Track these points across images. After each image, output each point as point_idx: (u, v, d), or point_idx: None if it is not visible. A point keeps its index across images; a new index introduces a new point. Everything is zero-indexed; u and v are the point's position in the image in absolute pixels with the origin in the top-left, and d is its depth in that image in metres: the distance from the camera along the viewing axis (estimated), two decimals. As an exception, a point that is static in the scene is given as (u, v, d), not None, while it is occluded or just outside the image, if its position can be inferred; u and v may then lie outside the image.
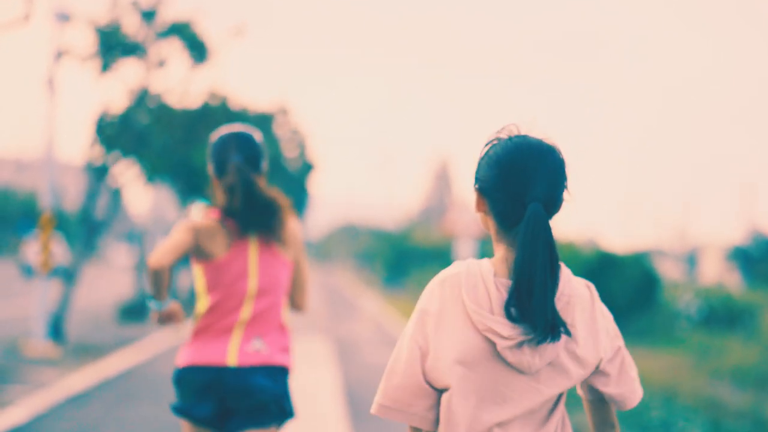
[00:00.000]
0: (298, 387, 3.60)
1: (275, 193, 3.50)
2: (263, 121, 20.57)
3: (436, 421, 1.88)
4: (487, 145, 1.96)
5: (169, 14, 13.75)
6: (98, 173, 13.97)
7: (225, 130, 3.57)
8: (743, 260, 38.54)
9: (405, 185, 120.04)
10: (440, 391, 1.87)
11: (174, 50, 13.97)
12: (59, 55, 12.64)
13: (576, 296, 1.89)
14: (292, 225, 3.56)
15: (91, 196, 14.08)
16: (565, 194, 1.90)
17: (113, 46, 13.26)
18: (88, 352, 11.83)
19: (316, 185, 29.34)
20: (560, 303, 1.85)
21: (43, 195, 12.54)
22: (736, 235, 44.62)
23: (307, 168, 27.31)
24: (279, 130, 23.57)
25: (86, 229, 14.12)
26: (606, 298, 2.28)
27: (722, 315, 17.93)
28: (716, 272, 44.58)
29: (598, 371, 1.93)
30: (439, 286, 1.89)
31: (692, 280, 37.38)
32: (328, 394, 9.05)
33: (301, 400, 7.56)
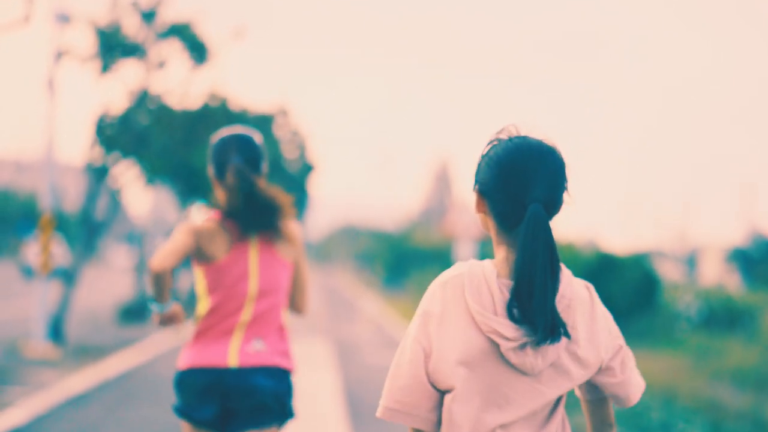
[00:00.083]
0: (298, 388, 3.60)
1: (275, 191, 3.50)
2: (263, 122, 20.57)
3: (438, 422, 1.88)
4: (487, 146, 1.96)
5: (169, 15, 13.76)
6: (98, 174, 13.97)
7: (225, 131, 3.58)
8: (743, 261, 38.52)
9: (405, 186, 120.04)
10: (442, 393, 1.87)
11: (174, 51, 13.98)
12: (59, 55, 12.64)
13: (577, 298, 1.89)
14: (293, 226, 3.56)
15: (91, 197, 14.08)
16: (565, 195, 1.90)
17: (113, 46, 13.27)
18: (88, 353, 11.83)
19: (316, 186, 29.32)
20: (561, 305, 1.85)
21: (43, 196, 12.54)
22: (736, 236, 44.61)
23: (307, 169, 27.31)
24: (279, 131, 23.58)
25: (86, 230, 14.12)
26: (606, 300, 2.28)
27: (722, 316, 17.92)
28: (716, 273, 44.57)
29: (600, 371, 1.93)
30: (441, 287, 1.88)
31: (692, 281, 37.35)
32: (329, 396, 9.04)
33: (302, 401, 7.55)
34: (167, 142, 14.29)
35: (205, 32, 14.10)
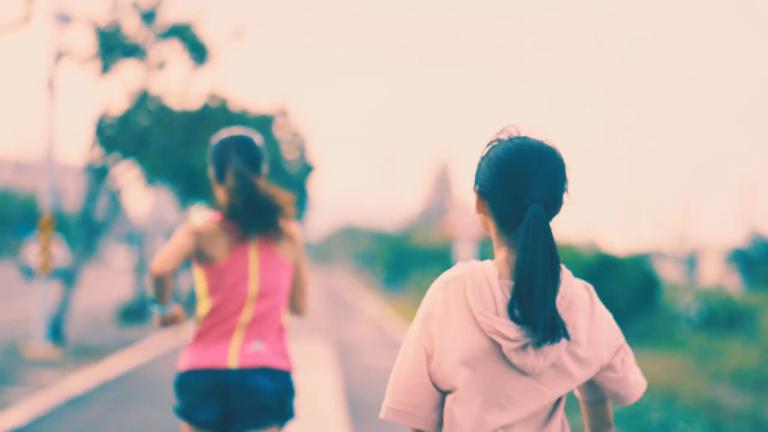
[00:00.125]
0: (298, 389, 3.60)
1: (276, 191, 3.50)
2: (263, 123, 20.58)
3: (440, 423, 1.88)
4: (487, 146, 1.96)
5: (169, 16, 13.76)
6: (98, 175, 13.97)
7: (225, 133, 3.59)
8: (743, 262, 38.54)
9: (405, 186, 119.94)
10: (444, 393, 1.87)
11: (174, 52, 13.98)
12: (59, 56, 12.64)
13: (577, 298, 1.89)
14: (293, 227, 3.56)
15: (91, 197, 14.08)
16: (565, 196, 1.90)
17: (113, 47, 13.27)
18: (88, 353, 11.83)
19: (316, 187, 29.32)
20: (562, 306, 1.85)
21: (43, 196, 12.53)
22: (736, 236, 44.60)
23: (307, 170, 27.32)
24: (279, 131, 23.59)
25: (86, 231, 14.12)
26: (606, 300, 2.28)
27: (722, 317, 17.91)
28: (716, 274, 44.58)
29: (601, 370, 1.93)
30: (443, 287, 1.88)
31: (692, 282, 37.36)
32: (329, 396, 9.04)
33: (302, 401, 7.55)
34: (167, 142, 14.29)
35: (205, 33, 14.10)
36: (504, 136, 1.94)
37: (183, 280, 22.96)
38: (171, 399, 3.61)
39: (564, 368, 1.86)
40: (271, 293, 3.46)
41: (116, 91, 13.86)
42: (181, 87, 14.54)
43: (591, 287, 1.95)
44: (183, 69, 14.30)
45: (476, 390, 1.84)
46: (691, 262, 48.30)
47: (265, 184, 3.52)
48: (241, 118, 17.24)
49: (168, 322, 3.42)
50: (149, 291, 3.28)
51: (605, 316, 1.94)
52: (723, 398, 9.48)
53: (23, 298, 20.66)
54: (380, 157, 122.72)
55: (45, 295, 12.17)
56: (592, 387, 1.99)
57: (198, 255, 3.41)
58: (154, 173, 14.83)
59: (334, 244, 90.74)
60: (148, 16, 13.56)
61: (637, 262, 17.33)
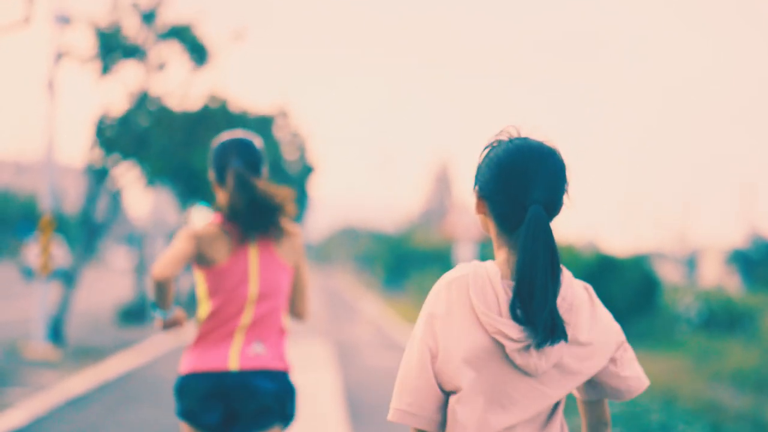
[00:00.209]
0: (298, 389, 3.60)
1: (275, 189, 3.50)
2: (263, 124, 20.58)
3: (443, 423, 1.88)
4: (487, 147, 1.96)
5: (169, 16, 13.77)
6: (98, 176, 13.98)
7: (226, 136, 3.60)
8: (743, 263, 38.55)
9: (405, 187, 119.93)
10: (447, 394, 1.87)
11: (174, 53, 13.99)
12: (59, 56, 12.65)
13: (577, 299, 1.89)
14: (294, 229, 3.56)
15: (91, 198, 14.08)
16: (565, 198, 1.90)
17: (113, 48, 13.27)
18: (88, 354, 11.83)
19: (316, 187, 29.31)
20: (562, 307, 1.85)
21: (43, 197, 12.54)
22: (736, 237, 44.62)
23: (307, 170, 27.30)
24: (279, 132, 23.58)
25: (86, 232, 14.12)
26: (606, 301, 2.28)
27: (722, 318, 17.91)
28: (716, 275, 44.58)
29: (604, 368, 1.93)
30: (445, 288, 1.88)
31: (692, 283, 37.36)
32: (329, 397, 9.04)
33: (302, 402, 7.55)
34: (167, 143, 14.30)
35: (205, 34, 14.11)
36: (504, 137, 1.94)
37: (183, 280, 22.95)
38: (171, 400, 3.61)
39: (566, 369, 1.87)
40: (271, 295, 3.46)
41: (116, 91, 13.88)
42: (181, 88, 14.54)
43: (590, 287, 1.95)
44: (183, 70, 14.31)
45: (480, 390, 1.84)
46: (691, 263, 48.31)
47: (264, 184, 3.52)
48: (241, 119, 17.25)
49: (170, 326, 3.43)
50: (151, 295, 3.28)
51: (605, 316, 1.94)
52: (723, 399, 9.48)
53: (23, 298, 20.66)
54: (380, 157, 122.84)
55: (45, 296, 12.17)
56: (592, 386, 2.00)
57: (198, 258, 3.41)
58: (154, 174, 14.83)
59: (334, 245, 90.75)
60: (148, 17, 13.56)
61: (636, 263, 17.33)
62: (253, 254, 3.46)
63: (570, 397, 2.10)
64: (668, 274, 39.68)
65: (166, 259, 3.30)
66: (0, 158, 64.98)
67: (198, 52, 14.07)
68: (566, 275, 1.88)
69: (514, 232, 1.88)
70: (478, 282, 1.85)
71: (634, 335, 14.62)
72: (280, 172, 22.17)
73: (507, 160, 1.88)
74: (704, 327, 17.56)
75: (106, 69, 13.34)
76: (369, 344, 14.99)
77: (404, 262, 37.23)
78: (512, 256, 1.88)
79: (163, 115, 14.34)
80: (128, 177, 14.77)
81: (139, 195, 20.40)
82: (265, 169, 3.57)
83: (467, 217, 20.02)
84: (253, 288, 3.43)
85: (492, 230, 1.94)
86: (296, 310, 3.64)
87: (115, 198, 15.90)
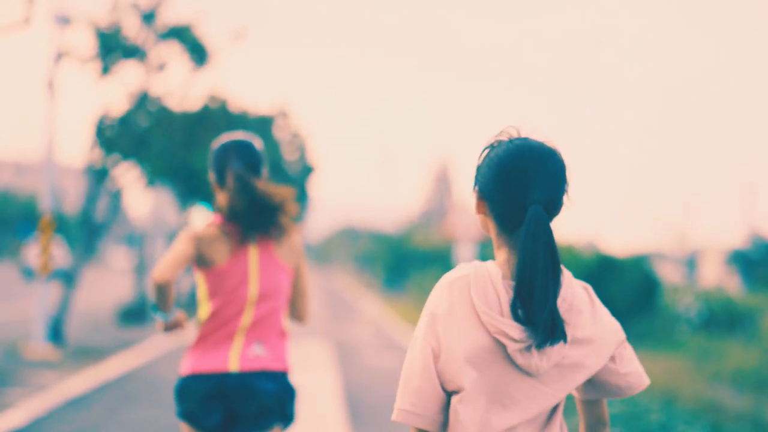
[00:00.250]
0: (298, 390, 3.60)
1: (275, 188, 3.50)
2: (263, 124, 20.59)
3: (444, 424, 1.88)
4: (487, 147, 1.96)
5: (169, 17, 13.77)
6: (98, 176, 13.98)
7: (225, 137, 3.60)
8: (743, 263, 38.54)
9: (405, 187, 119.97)
10: (449, 394, 1.88)
11: (174, 53, 13.99)
12: (59, 57, 12.65)
13: (577, 300, 1.89)
14: (294, 229, 3.56)
15: (91, 198, 14.08)
16: (565, 198, 1.91)
17: (113, 48, 13.28)
18: (88, 354, 11.83)
19: (316, 187, 29.31)
20: (563, 308, 1.85)
21: (43, 198, 12.54)
22: (736, 238, 44.63)
23: (307, 171, 27.31)
24: (279, 133, 23.58)
25: (86, 232, 14.12)
26: (606, 302, 2.28)
27: (722, 318, 17.91)
28: (716, 275, 44.58)
29: (604, 366, 1.94)
30: (447, 288, 1.88)
31: (692, 283, 37.34)
32: (329, 397, 9.04)
33: (302, 402, 7.56)
34: (167, 143, 14.30)
35: (205, 34, 14.11)
36: (504, 138, 1.94)
37: (183, 281, 22.96)
38: (171, 400, 3.61)
39: (566, 369, 1.87)
40: (271, 296, 3.46)
41: (116, 92, 13.88)
42: (181, 88, 14.55)
43: (589, 287, 1.96)
44: (183, 70, 14.32)
45: (482, 390, 1.84)
46: (691, 263, 48.31)
47: (264, 184, 3.52)
48: (241, 120, 17.26)
49: (171, 328, 3.44)
50: (151, 297, 3.29)
51: (605, 316, 1.94)
52: (723, 399, 9.48)
53: (23, 298, 20.67)
54: (380, 157, 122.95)
55: (45, 296, 12.17)
56: (592, 385, 2.00)
57: (198, 259, 3.41)
58: (154, 174, 14.84)
59: (334, 245, 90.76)
60: (148, 17, 13.57)
61: (636, 263, 17.32)
62: (252, 255, 3.46)
63: (569, 397, 2.10)
64: (668, 274, 39.68)
65: (166, 262, 3.31)
66: (0, 158, 64.99)
67: (198, 53, 14.07)
68: (566, 275, 1.88)
69: (514, 233, 1.88)
70: (479, 282, 1.85)
71: (634, 335, 14.62)
72: (280, 173, 22.17)
73: (507, 161, 1.88)
74: (704, 327, 17.56)
75: (106, 69, 13.34)
76: (369, 344, 14.99)
77: (404, 263, 37.24)
78: (512, 257, 1.88)
79: (163, 116, 14.35)
80: (128, 177, 14.77)
81: (139, 195, 20.39)
82: (265, 170, 3.58)
83: (467, 217, 20.02)
84: (253, 289, 3.43)
85: (492, 230, 1.94)
86: (297, 313, 3.64)
87: (115, 198, 15.91)
